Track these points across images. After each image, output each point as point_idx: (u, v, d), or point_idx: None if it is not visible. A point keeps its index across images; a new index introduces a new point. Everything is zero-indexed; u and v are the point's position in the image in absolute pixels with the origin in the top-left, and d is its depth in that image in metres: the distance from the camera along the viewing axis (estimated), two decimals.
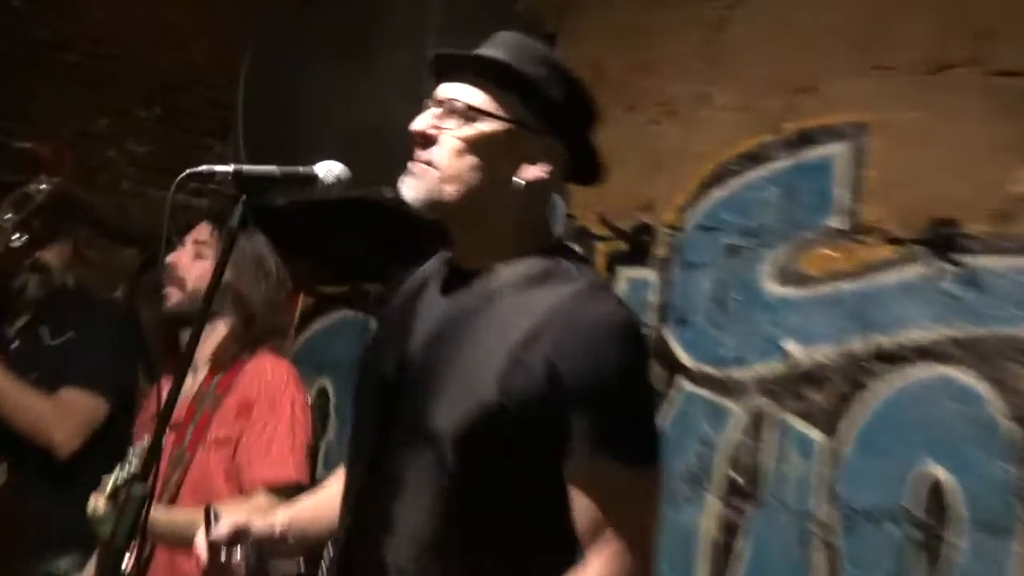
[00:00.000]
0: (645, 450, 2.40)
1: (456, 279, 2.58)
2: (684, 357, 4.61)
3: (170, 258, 3.93)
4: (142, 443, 3.39)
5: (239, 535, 2.65)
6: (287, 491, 3.56)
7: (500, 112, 2.49)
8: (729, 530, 4.34)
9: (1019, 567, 3.63)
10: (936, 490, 3.85)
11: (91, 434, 4.22)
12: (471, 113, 2.48)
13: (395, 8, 5.06)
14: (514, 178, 2.50)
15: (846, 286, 4.21)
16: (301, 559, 2.93)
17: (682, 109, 4.87)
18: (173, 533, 3.42)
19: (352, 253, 5.63)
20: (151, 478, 2.48)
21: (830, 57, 4.43)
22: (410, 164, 2.51)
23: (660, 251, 4.79)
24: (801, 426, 4.19)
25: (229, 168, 2.55)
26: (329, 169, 2.63)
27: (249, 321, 3.85)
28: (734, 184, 4.61)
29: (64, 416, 4.18)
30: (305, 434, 3.76)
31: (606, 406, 2.33)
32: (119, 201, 6.05)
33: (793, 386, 4.25)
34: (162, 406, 2.52)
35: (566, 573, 2.37)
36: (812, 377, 4.21)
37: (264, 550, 2.70)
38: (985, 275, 3.88)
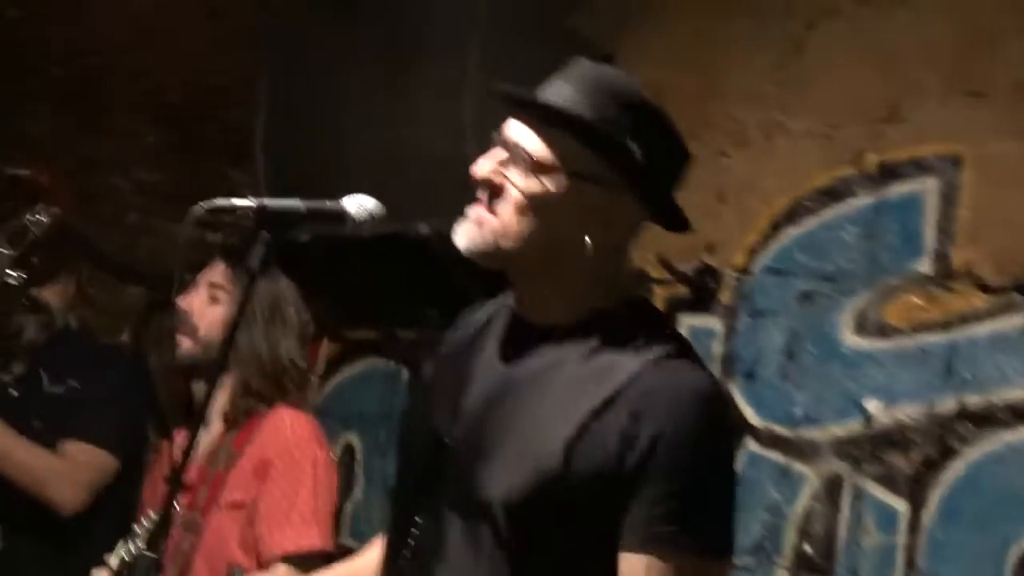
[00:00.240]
0: (715, 540, 2.40)
1: (520, 332, 2.59)
2: (751, 415, 4.62)
3: (182, 303, 3.96)
4: (150, 513, 3.44)
5: None
6: (310, 561, 3.58)
7: (573, 168, 2.48)
8: None
9: None
10: None
11: (97, 493, 4.26)
12: (543, 167, 2.46)
13: (434, 24, 5.07)
14: (585, 239, 2.49)
15: (934, 338, 4.23)
16: None
17: (752, 138, 4.89)
18: None
19: (382, 294, 5.65)
20: (160, 546, 2.52)
21: (918, 81, 4.45)
22: (469, 209, 2.52)
23: (725, 297, 4.82)
24: (881, 493, 4.21)
25: (251, 202, 2.59)
26: (360, 204, 2.65)
27: (263, 374, 3.89)
28: (809, 223, 4.63)
29: (68, 472, 4.21)
30: (329, 497, 3.81)
31: (679, 483, 2.33)
32: (125, 235, 6.08)
33: (873, 449, 4.26)
34: (175, 466, 2.54)
35: None
36: (894, 439, 4.22)
37: None
38: None
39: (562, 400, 2.41)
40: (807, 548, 4.35)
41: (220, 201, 2.60)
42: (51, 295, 4.43)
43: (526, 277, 2.56)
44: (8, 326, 4.36)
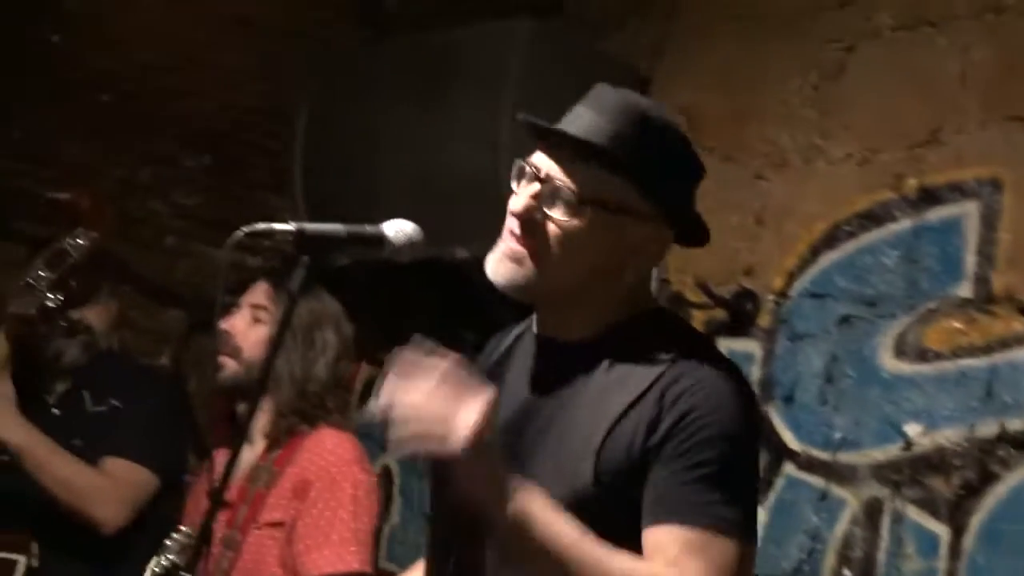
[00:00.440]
0: (737, 520, 2.39)
1: (545, 353, 2.63)
2: (790, 439, 4.62)
3: (225, 324, 3.99)
4: (186, 528, 3.46)
5: None
6: None
7: (609, 201, 2.51)
8: None
9: None
10: None
11: (137, 511, 4.26)
12: (579, 204, 2.48)
13: (472, 48, 5.10)
14: (621, 270, 2.54)
15: (975, 363, 4.22)
16: None
17: (790, 162, 4.90)
18: None
19: (419, 317, 5.66)
20: (199, 562, 2.54)
21: (958, 105, 4.46)
22: (503, 244, 2.54)
23: (764, 321, 4.83)
24: (921, 518, 4.20)
25: (291, 227, 2.61)
26: (399, 229, 2.67)
27: (300, 395, 3.91)
28: (849, 247, 4.64)
29: (111, 489, 4.21)
30: (370, 520, 3.83)
31: (703, 461, 2.36)
32: (163, 258, 6.11)
33: (913, 473, 4.25)
34: (217, 481, 2.57)
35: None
36: (935, 464, 4.22)
37: None
38: None
39: (591, 413, 2.45)
40: (846, 573, 4.34)
41: (260, 225, 2.63)
42: (93, 316, 4.45)
43: (558, 305, 2.59)
44: (48, 348, 4.39)
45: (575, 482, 2.39)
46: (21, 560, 4.10)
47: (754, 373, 4.77)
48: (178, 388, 4.89)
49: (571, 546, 2.27)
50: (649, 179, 2.51)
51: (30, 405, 4.26)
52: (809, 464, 4.55)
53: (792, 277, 4.77)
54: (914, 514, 4.22)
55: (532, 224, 2.50)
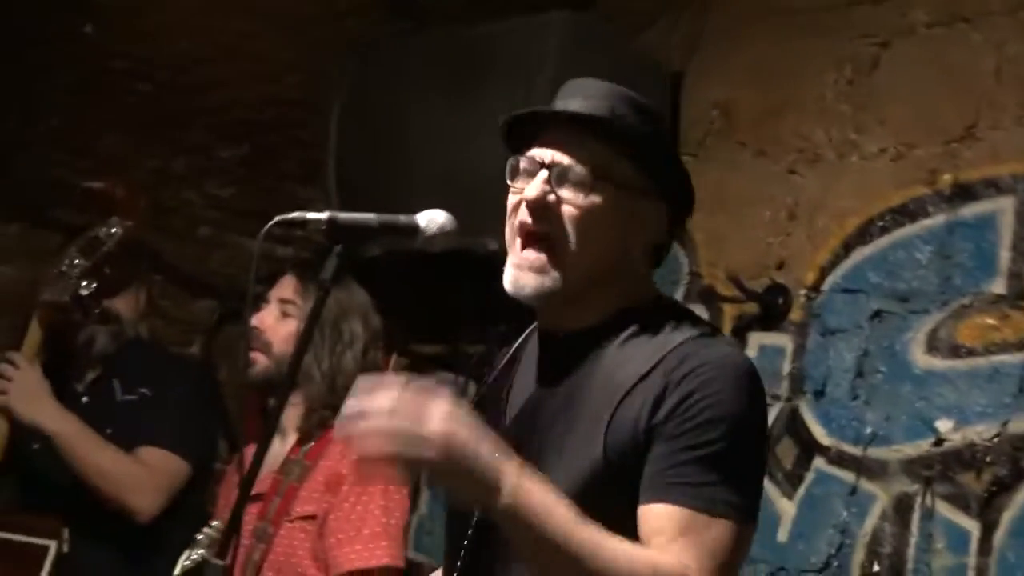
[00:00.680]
0: (737, 501, 2.39)
1: (552, 345, 2.65)
2: (820, 433, 4.62)
3: (254, 320, 4.01)
4: (217, 521, 3.47)
5: None
6: None
7: (619, 177, 2.54)
8: None
9: None
10: None
11: (171, 499, 4.28)
12: (592, 180, 2.51)
13: (506, 41, 5.10)
14: (629, 247, 2.57)
15: (1008, 359, 4.21)
16: None
17: (823, 157, 4.89)
18: None
19: (450, 309, 5.66)
20: (230, 555, 2.54)
21: (994, 100, 4.45)
22: (518, 256, 2.56)
23: (796, 315, 4.82)
24: (952, 514, 4.19)
25: (323, 216, 2.61)
26: (432, 219, 2.67)
27: (329, 388, 3.92)
28: (882, 242, 4.63)
29: (147, 477, 4.24)
30: (401, 514, 3.85)
31: (706, 440, 2.37)
32: (197, 248, 6.14)
33: (944, 469, 4.25)
34: (246, 475, 2.57)
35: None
36: (966, 460, 4.21)
37: None
38: None
39: (600, 394, 2.47)
40: (876, 568, 4.34)
41: (293, 215, 2.63)
42: (122, 305, 4.47)
43: (568, 299, 2.58)
44: (80, 336, 4.41)
45: (586, 461, 2.41)
46: (52, 545, 4.11)
47: (785, 367, 4.78)
48: (208, 376, 4.89)
49: (569, 534, 2.26)
50: (649, 154, 2.56)
51: (60, 393, 4.28)
52: (840, 459, 4.54)
53: (824, 272, 4.76)
54: (944, 510, 4.21)
55: (546, 210, 2.52)
